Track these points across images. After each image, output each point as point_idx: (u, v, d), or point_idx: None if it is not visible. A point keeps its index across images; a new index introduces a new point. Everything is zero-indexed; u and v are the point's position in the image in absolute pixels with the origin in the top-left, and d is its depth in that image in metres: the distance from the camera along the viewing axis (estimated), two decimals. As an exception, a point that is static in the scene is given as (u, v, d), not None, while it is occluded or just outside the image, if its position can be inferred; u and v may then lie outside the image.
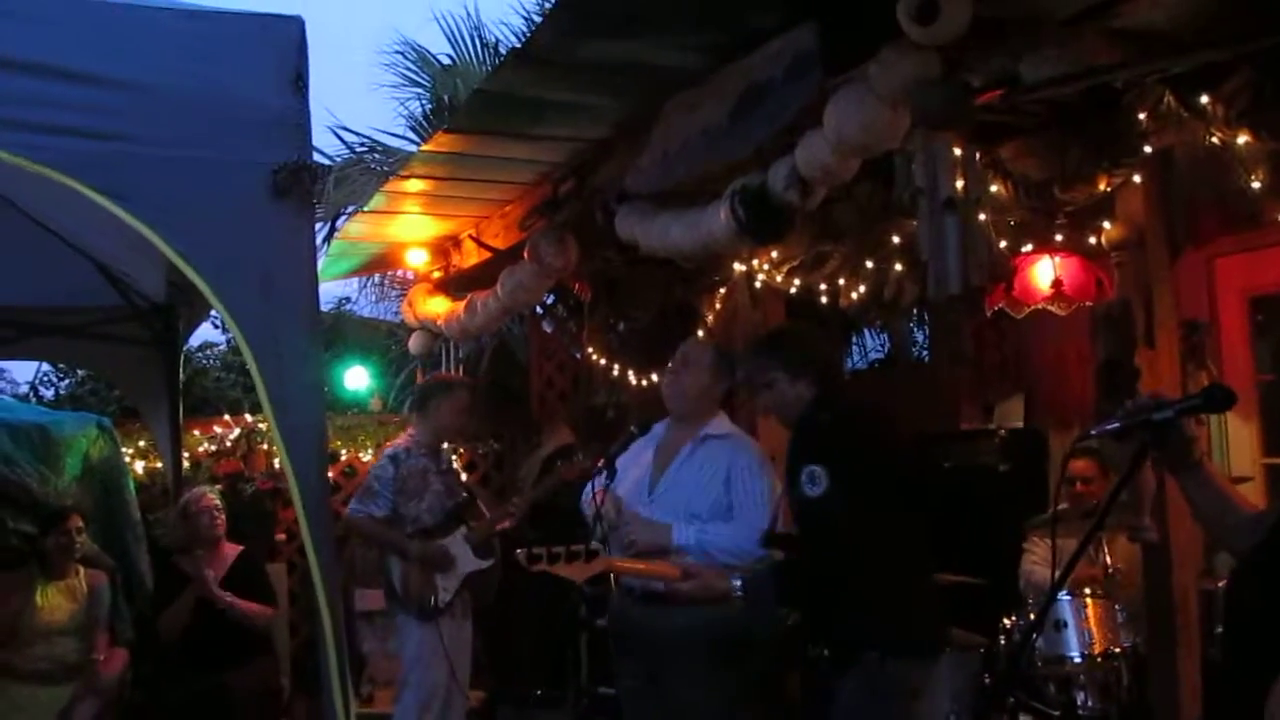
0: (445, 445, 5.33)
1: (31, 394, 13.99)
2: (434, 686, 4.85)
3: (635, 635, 3.87)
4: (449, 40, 11.29)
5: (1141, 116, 3.56)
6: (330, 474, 6.29)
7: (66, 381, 14.25)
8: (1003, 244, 4.35)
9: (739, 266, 5.69)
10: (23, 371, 15.18)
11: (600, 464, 3.91)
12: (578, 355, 7.38)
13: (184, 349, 6.73)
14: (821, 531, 3.22)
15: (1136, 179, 3.86)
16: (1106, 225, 4.10)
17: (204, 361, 14.55)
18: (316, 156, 3.44)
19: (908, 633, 3.24)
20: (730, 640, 3.68)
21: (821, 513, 3.19)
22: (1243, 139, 3.46)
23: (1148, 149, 3.67)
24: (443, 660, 4.83)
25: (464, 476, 6.25)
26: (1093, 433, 2.33)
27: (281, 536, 6.74)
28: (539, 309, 7.51)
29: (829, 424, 3.33)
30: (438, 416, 5.07)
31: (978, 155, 3.63)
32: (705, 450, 3.85)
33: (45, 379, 14.35)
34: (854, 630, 3.27)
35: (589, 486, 3.95)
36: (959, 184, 3.33)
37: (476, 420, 5.30)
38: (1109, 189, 3.89)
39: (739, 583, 3.40)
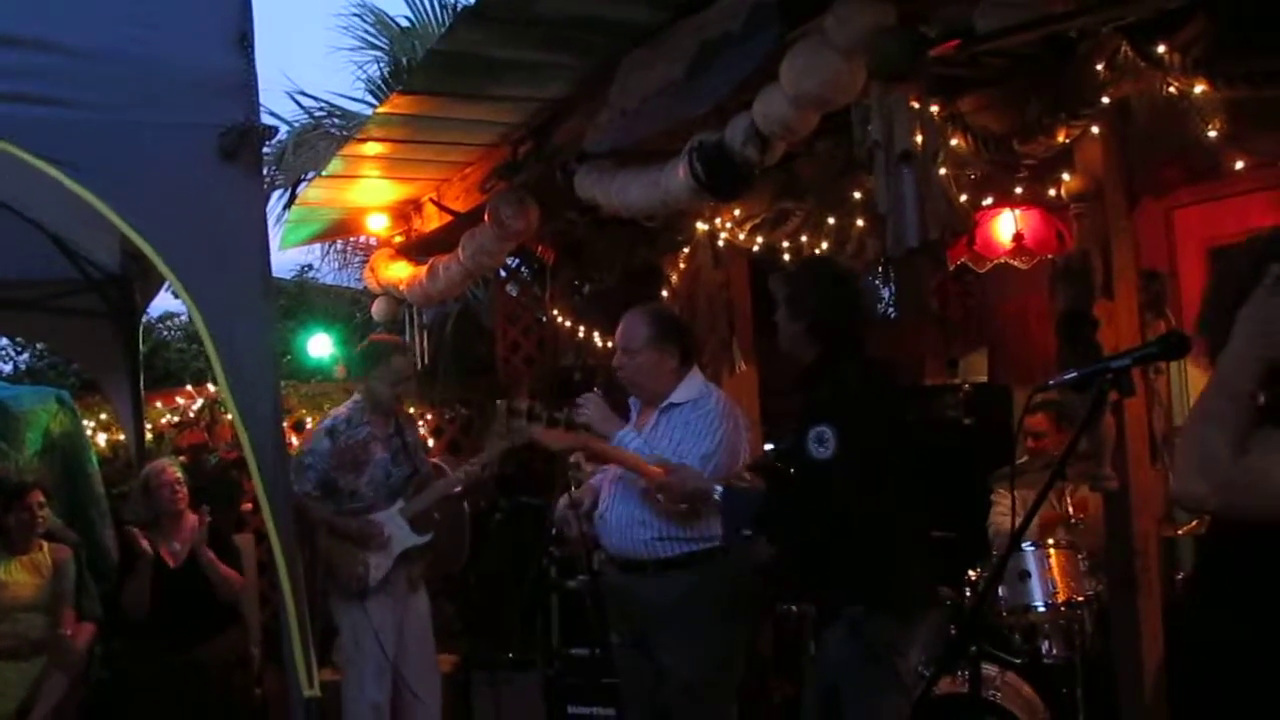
0: (398, 409, 5.10)
1: (-10, 369, 13.82)
2: (366, 669, 4.74)
3: (619, 600, 3.90)
4: (407, 2, 11.14)
5: (1099, 67, 3.57)
6: (294, 442, 6.26)
7: (25, 355, 14.08)
8: (963, 198, 4.34)
9: (702, 226, 5.67)
10: (-20, 346, 14.98)
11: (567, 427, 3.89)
12: (543, 318, 7.36)
13: (143, 320, 6.65)
14: (823, 495, 3.21)
15: (1095, 130, 3.86)
16: (1066, 177, 4.11)
17: (165, 333, 14.41)
18: (275, 122, 3.40)
19: (896, 592, 3.27)
20: (707, 608, 3.69)
21: (826, 477, 3.18)
22: (1200, 88, 3.47)
23: (1105, 100, 3.67)
24: (374, 642, 4.71)
25: (430, 442, 6.13)
26: (1050, 383, 2.35)
27: (248, 507, 6.70)
28: (502, 272, 7.51)
29: (845, 386, 3.30)
30: (373, 386, 4.92)
31: (936, 109, 3.62)
32: (668, 419, 3.85)
33: (3, 353, 14.18)
34: (843, 588, 3.29)
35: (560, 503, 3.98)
36: (917, 138, 3.32)
37: (419, 385, 5.12)
38: (1068, 141, 3.89)
39: (720, 489, 3.40)
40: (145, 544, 5.24)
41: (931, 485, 4.57)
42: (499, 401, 3.68)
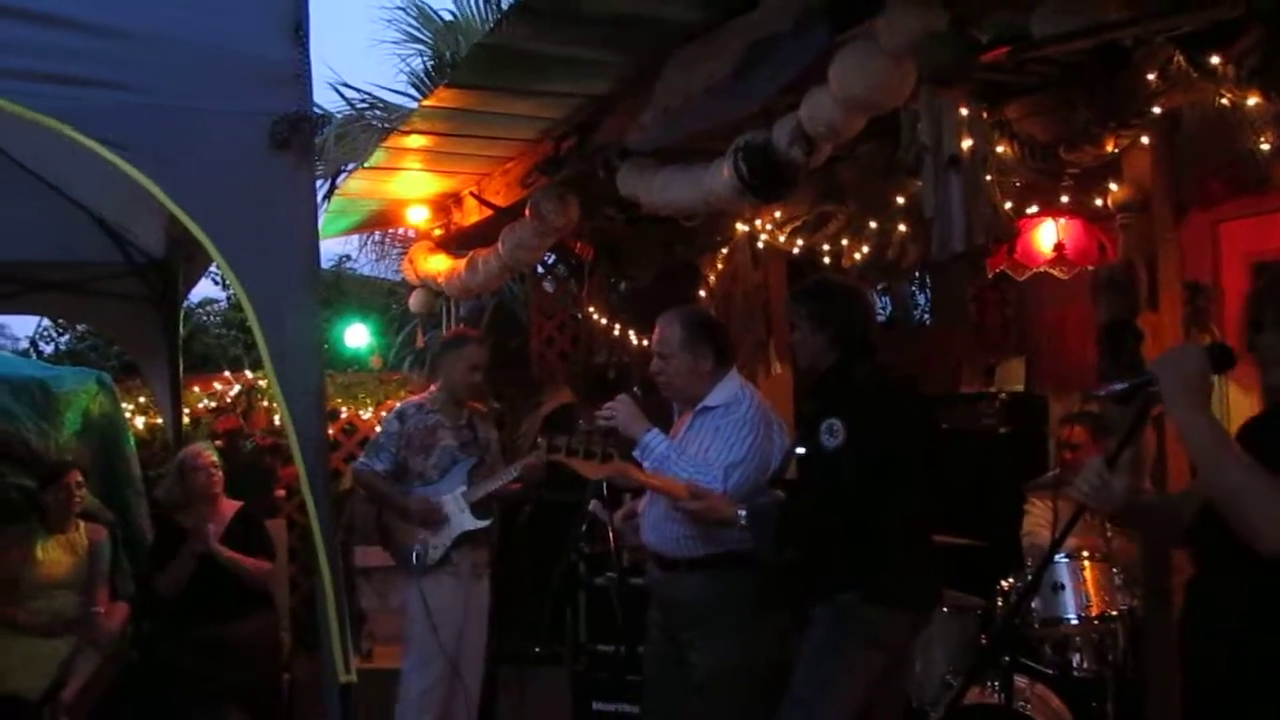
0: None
1: (31, 349, 13.99)
2: (423, 646, 4.79)
3: (656, 596, 3.92)
4: (450, -4, 11.20)
5: (1151, 77, 3.53)
6: (330, 431, 6.30)
7: (66, 337, 14.24)
8: (1007, 205, 4.31)
9: (741, 226, 5.66)
10: (22, 326, 15.19)
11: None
12: (578, 315, 7.36)
13: (183, 305, 6.71)
14: (831, 481, 3.31)
15: (1144, 140, 3.82)
16: (1113, 187, 4.07)
17: (204, 319, 14.54)
18: (317, 112, 3.41)
19: (887, 585, 3.33)
20: (735, 608, 3.69)
21: (831, 465, 3.28)
22: (1253, 100, 3.42)
23: (1156, 110, 3.64)
24: (426, 624, 4.76)
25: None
26: (1101, 393, 2.33)
27: (281, 493, 6.75)
28: (540, 268, 7.52)
29: (858, 381, 3.44)
30: (448, 373, 5.03)
31: (984, 114, 3.60)
32: (700, 421, 3.84)
33: (45, 334, 14.36)
34: (836, 575, 3.37)
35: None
36: (965, 142, 3.31)
37: (488, 376, 5.19)
38: (1116, 150, 3.85)
39: (743, 512, 3.47)
40: (191, 525, 5.28)
41: (963, 493, 4.56)
42: (539, 441, 3.70)
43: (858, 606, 3.32)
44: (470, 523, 4.89)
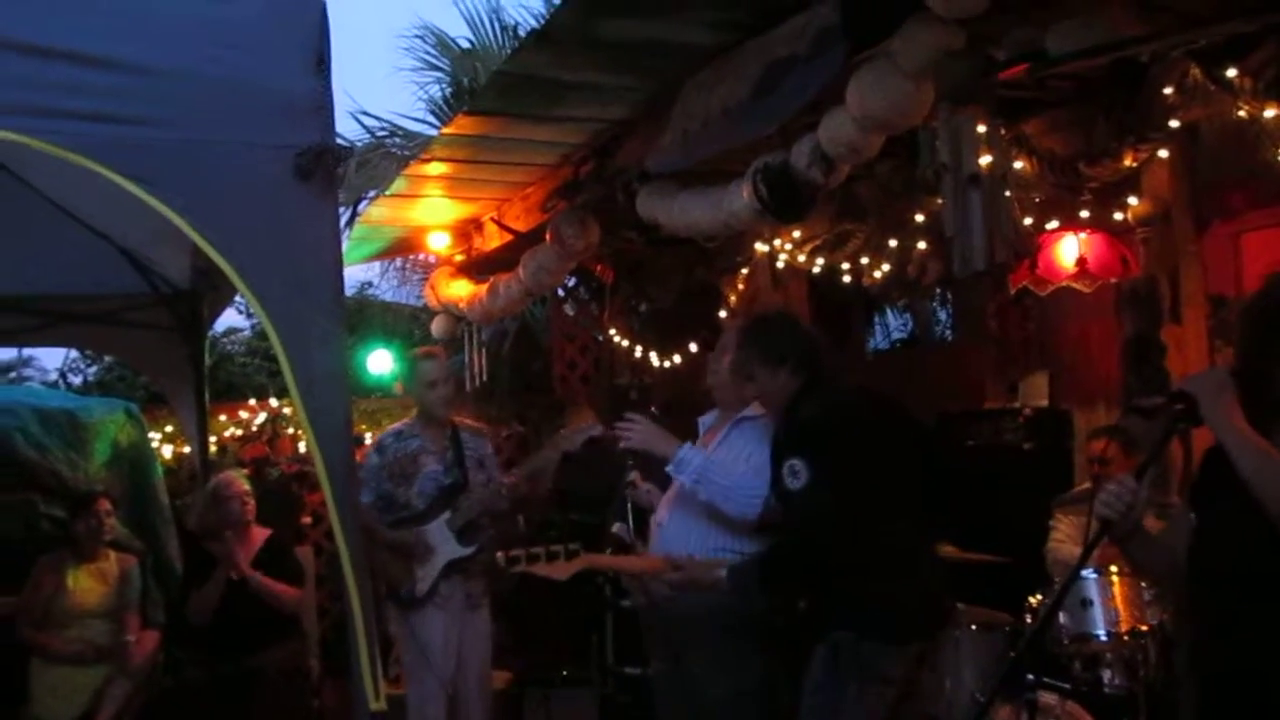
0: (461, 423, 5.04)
1: (60, 381, 14.09)
2: (419, 684, 4.73)
3: (660, 616, 3.87)
4: (468, 24, 11.28)
5: (1168, 91, 3.53)
6: (356, 457, 6.31)
7: (94, 368, 14.33)
8: (1027, 221, 4.31)
9: (761, 247, 5.67)
10: (51, 358, 15.27)
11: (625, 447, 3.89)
12: (600, 337, 7.37)
13: (209, 334, 6.75)
14: (803, 524, 3.24)
15: (1163, 154, 3.82)
16: (1132, 201, 4.06)
17: (229, 347, 14.61)
18: (340, 143, 3.43)
19: (886, 619, 3.23)
20: (752, 626, 3.66)
21: (802, 506, 3.21)
22: (1271, 112, 3.41)
23: (1174, 124, 3.63)
24: (419, 658, 4.69)
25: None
26: (1140, 405, 2.31)
27: (307, 520, 6.77)
28: (561, 291, 7.53)
29: (810, 417, 3.33)
30: (415, 395, 4.94)
31: (1003, 130, 3.59)
32: (739, 432, 3.81)
33: (74, 366, 14.44)
34: (829, 611, 3.30)
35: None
36: (984, 159, 3.30)
37: (473, 399, 5.12)
38: (1135, 165, 3.85)
39: (724, 573, 3.40)
40: (220, 552, 5.30)
41: (988, 509, 4.52)
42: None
43: (853, 644, 3.23)
44: (455, 550, 4.75)
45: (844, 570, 3.20)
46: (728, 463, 3.69)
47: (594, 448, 4.95)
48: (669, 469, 3.70)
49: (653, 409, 4.10)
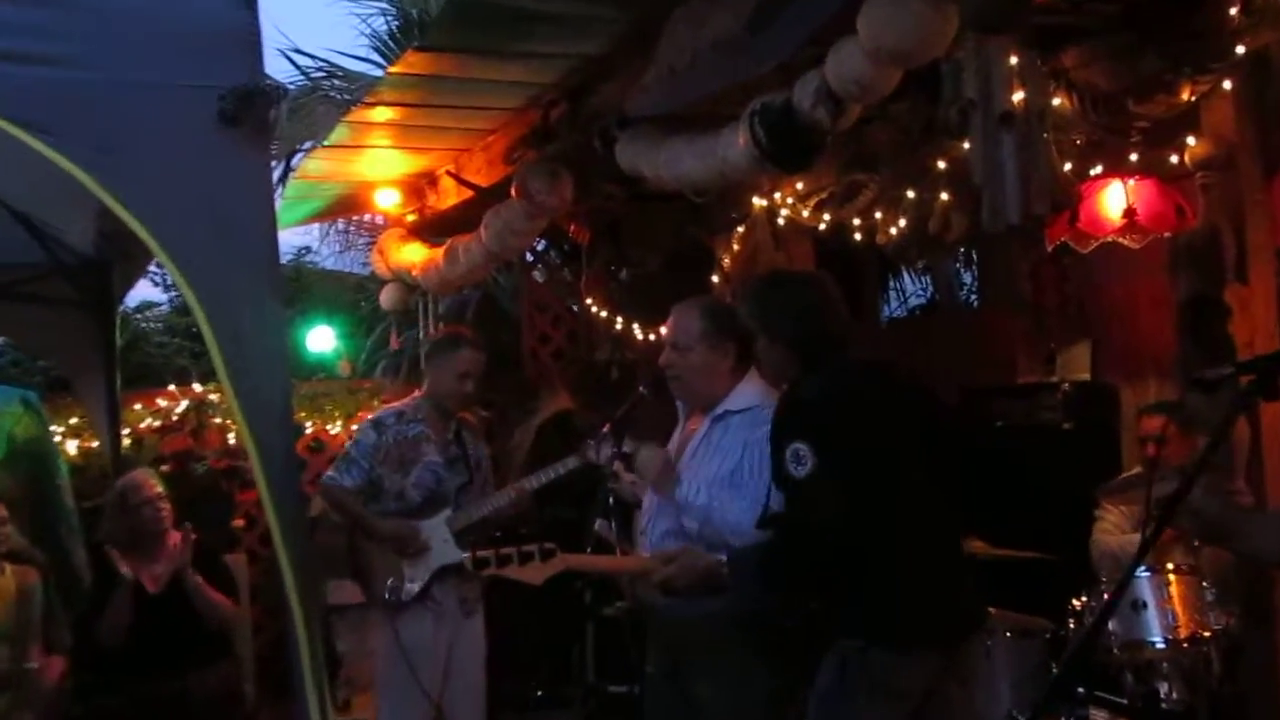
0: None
1: (-55, 366, 14.00)
2: (400, 696, 4.75)
3: (655, 622, 3.89)
4: (416, -55, 11.21)
5: (1233, 12, 3.51)
6: (296, 449, 6.30)
7: (-18, 350, 14.25)
8: (1067, 167, 4.30)
9: (759, 201, 5.65)
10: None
11: (606, 431, 3.89)
12: (575, 307, 7.36)
13: (120, 310, 6.71)
14: (808, 516, 3.24)
15: (1226, 86, 3.81)
16: (1190, 142, 4.05)
17: (144, 325, 14.55)
18: (270, 84, 3.39)
19: (893, 625, 3.24)
20: (756, 634, 3.67)
21: (808, 496, 3.21)
22: (1354, 35, 3.41)
23: (1240, 50, 3.61)
24: (403, 668, 4.71)
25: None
26: (1207, 376, 2.29)
27: (240, 523, 6.75)
28: (530, 255, 7.52)
29: (813, 396, 3.33)
30: (436, 379, 4.98)
31: (1039, 63, 3.59)
32: (722, 428, 3.80)
33: (-43, 349, 14.36)
34: (836, 615, 3.31)
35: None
36: (1017, 96, 3.29)
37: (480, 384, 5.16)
38: (1193, 99, 3.83)
39: (725, 557, 3.42)
40: (125, 567, 5.27)
41: (1024, 500, 4.54)
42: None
43: (862, 653, 3.24)
44: (454, 554, 4.79)
45: (852, 568, 3.21)
46: (723, 474, 3.71)
47: (570, 432, 4.97)
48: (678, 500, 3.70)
49: (641, 389, 4.07)
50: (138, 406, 7.10)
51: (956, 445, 3.51)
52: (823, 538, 3.21)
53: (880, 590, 3.23)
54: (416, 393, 5.13)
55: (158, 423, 7.08)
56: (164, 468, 6.35)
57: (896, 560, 3.24)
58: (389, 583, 4.78)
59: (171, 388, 7.35)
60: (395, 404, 5.15)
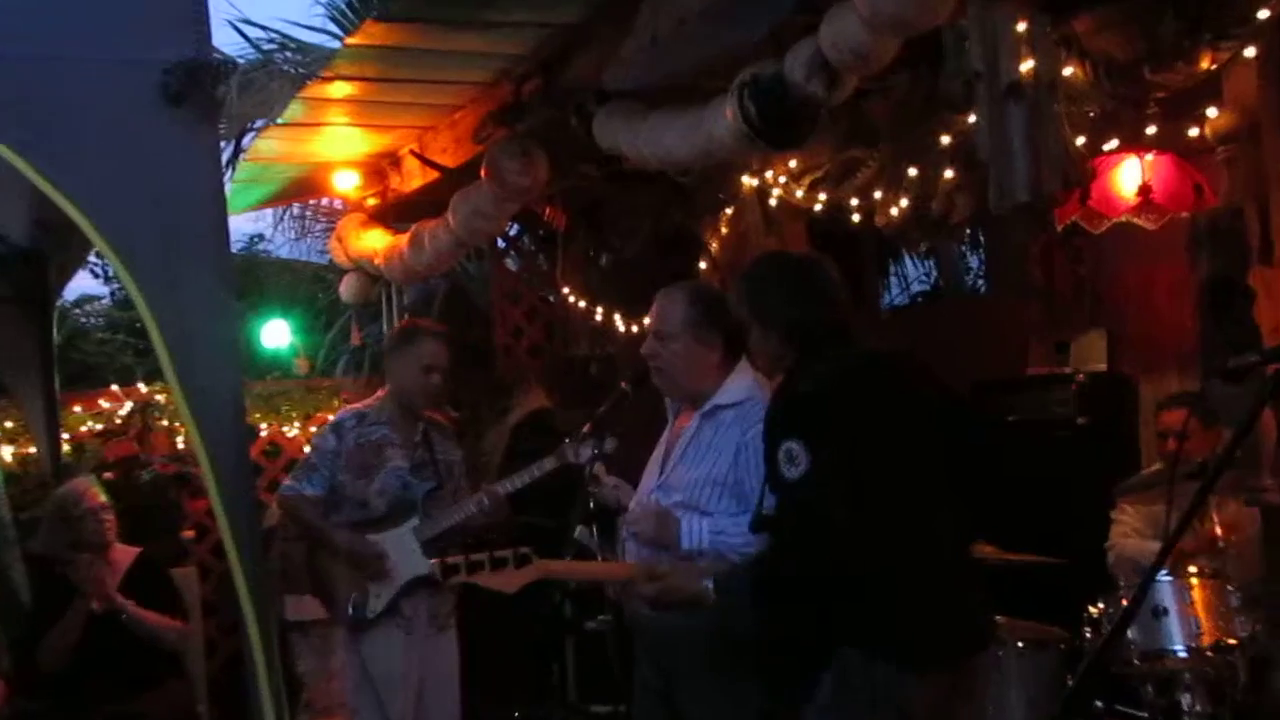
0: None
1: None
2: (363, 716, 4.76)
3: (646, 635, 3.88)
4: (376, -92, 11.18)
5: (1256, -27, 3.53)
6: (250, 453, 6.28)
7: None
8: (1079, 141, 4.31)
9: (749, 180, 5.66)
10: None
11: (587, 431, 3.89)
12: (551, 298, 7.35)
13: (58, 305, 6.68)
14: (802, 521, 3.21)
15: (1249, 53, 3.82)
16: (1211, 113, 4.07)
17: (84, 321, 14.49)
18: (217, 58, 3.39)
19: (897, 638, 3.20)
20: (751, 651, 3.66)
21: (802, 499, 3.18)
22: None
23: (1263, 14, 3.63)
24: (368, 691, 4.71)
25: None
26: (1232, 365, 2.30)
27: (190, 534, 6.73)
28: (502, 242, 7.51)
29: (809, 390, 3.29)
30: (398, 376, 4.96)
31: (1049, 30, 3.59)
32: (713, 425, 3.78)
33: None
34: (834, 625, 3.26)
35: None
36: (1025, 65, 3.30)
37: (448, 380, 5.14)
38: (1214, 68, 3.85)
39: (710, 584, 3.38)
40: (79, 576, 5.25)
41: (1035, 500, 4.54)
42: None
43: (862, 666, 3.20)
44: (422, 565, 4.76)
45: (853, 577, 3.19)
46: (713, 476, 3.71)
47: (548, 432, 4.95)
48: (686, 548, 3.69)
49: (623, 385, 4.05)
50: (78, 409, 7.06)
51: (972, 442, 3.50)
52: (816, 544, 3.19)
53: (884, 602, 3.18)
54: (380, 392, 5.11)
55: (100, 426, 7.04)
56: (107, 475, 6.31)
57: (901, 570, 3.19)
58: (352, 598, 4.77)
59: (114, 388, 7.30)
60: (356, 405, 5.14)
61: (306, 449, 5.17)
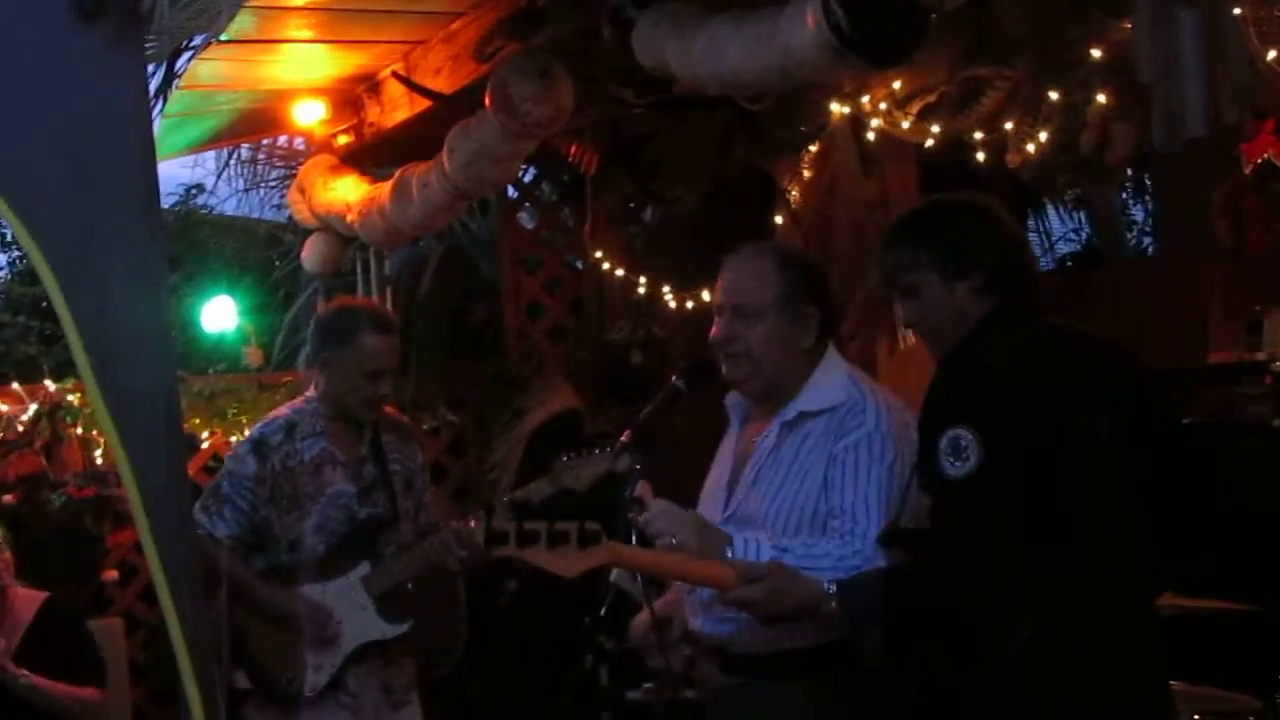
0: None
1: None
2: None
3: (724, 713, 3.90)
4: None
5: None
6: (188, 471, 6.35)
7: None
8: (1270, 55, 4.31)
9: (840, 108, 5.66)
10: None
11: (626, 440, 3.89)
12: (579, 264, 7.38)
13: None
14: (961, 531, 3.22)
15: None
16: None
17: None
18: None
19: (1096, 700, 3.22)
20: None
21: (964, 502, 3.19)
22: None
23: None
24: None
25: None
26: None
27: (112, 575, 6.80)
28: (513, 191, 7.53)
29: (999, 363, 3.30)
30: (331, 379, 4.93)
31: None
32: (797, 438, 3.76)
33: None
34: (1004, 687, 3.27)
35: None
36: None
37: (400, 379, 5.11)
38: None
39: (832, 588, 3.37)
40: None
41: (1219, 527, 4.55)
42: (472, 520, 3.63)
43: None
44: (374, 626, 4.84)
45: (1016, 613, 3.21)
46: (810, 524, 3.70)
47: (576, 442, 4.93)
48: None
49: (675, 379, 4.01)
50: (-35, 413, 7.17)
51: (1189, 459, 3.50)
52: (979, 562, 3.18)
53: (1047, 650, 3.20)
54: (310, 392, 5.08)
55: (-2, 435, 7.14)
56: (5, 498, 6.39)
57: (1074, 610, 3.21)
58: (284, 674, 4.80)
59: (14, 386, 7.39)
60: (282, 410, 5.11)
61: (220, 474, 5.08)
